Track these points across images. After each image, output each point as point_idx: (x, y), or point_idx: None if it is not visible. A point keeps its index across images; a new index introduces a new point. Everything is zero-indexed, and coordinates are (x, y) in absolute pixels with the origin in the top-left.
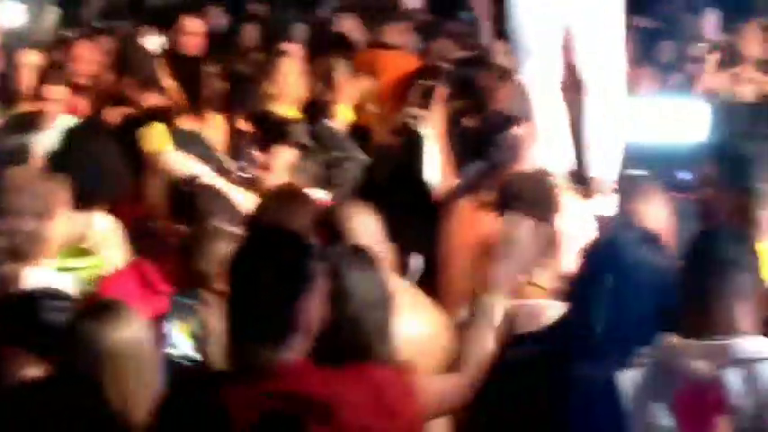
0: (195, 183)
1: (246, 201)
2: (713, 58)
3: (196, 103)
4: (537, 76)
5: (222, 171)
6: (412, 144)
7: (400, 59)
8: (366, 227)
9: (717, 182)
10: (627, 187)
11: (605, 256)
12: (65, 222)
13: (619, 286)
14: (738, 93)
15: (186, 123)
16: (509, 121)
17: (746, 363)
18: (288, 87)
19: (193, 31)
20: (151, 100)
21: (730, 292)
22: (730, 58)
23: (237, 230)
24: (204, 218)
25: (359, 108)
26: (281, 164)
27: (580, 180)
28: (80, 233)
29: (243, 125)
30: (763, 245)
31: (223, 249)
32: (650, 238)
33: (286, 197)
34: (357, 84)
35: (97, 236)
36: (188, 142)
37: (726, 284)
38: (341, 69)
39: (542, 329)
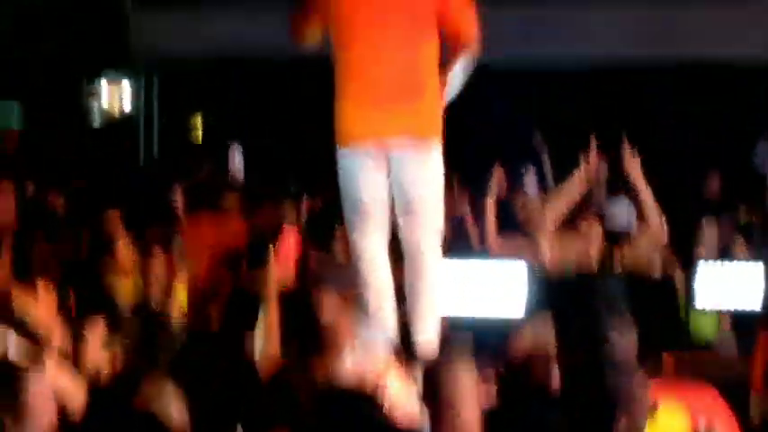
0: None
1: (65, 377)
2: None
3: (23, 276)
4: (365, 243)
5: (42, 345)
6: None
7: (233, 224)
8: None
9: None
10: (437, 359)
11: None
12: None
13: None
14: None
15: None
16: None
17: None
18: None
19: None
20: None
21: None
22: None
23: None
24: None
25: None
26: (97, 336)
27: (404, 351)
28: None
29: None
30: None
31: None
32: None
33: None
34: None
35: None
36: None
37: None
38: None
39: None
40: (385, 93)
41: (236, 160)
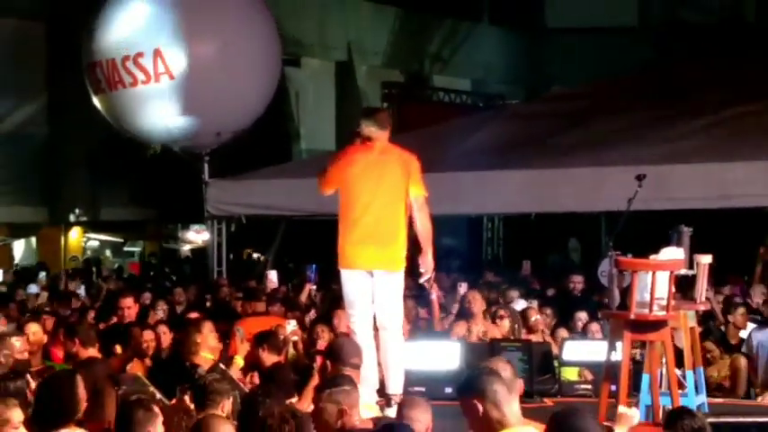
0: None
1: None
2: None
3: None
4: (358, 328)
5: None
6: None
7: (269, 322)
8: None
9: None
10: (404, 399)
11: None
12: None
13: None
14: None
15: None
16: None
17: None
18: (204, 340)
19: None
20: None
21: None
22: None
23: None
24: None
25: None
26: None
27: (382, 395)
28: None
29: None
30: None
31: None
32: None
33: None
34: (246, 343)
35: None
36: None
37: None
38: (238, 333)
39: None
40: (371, 237)
41: (273, 279)
